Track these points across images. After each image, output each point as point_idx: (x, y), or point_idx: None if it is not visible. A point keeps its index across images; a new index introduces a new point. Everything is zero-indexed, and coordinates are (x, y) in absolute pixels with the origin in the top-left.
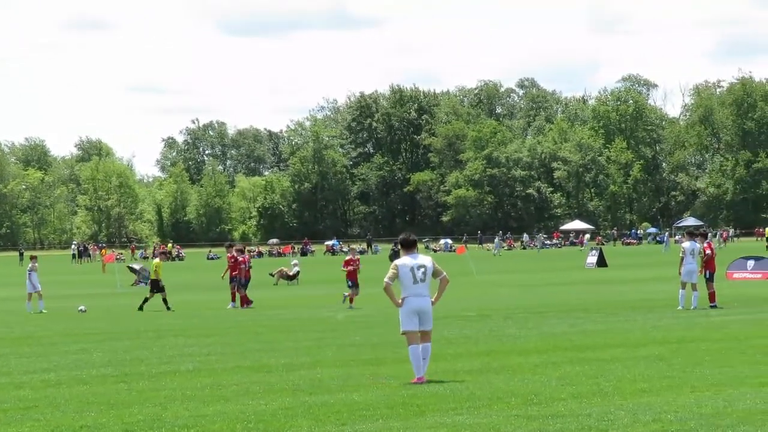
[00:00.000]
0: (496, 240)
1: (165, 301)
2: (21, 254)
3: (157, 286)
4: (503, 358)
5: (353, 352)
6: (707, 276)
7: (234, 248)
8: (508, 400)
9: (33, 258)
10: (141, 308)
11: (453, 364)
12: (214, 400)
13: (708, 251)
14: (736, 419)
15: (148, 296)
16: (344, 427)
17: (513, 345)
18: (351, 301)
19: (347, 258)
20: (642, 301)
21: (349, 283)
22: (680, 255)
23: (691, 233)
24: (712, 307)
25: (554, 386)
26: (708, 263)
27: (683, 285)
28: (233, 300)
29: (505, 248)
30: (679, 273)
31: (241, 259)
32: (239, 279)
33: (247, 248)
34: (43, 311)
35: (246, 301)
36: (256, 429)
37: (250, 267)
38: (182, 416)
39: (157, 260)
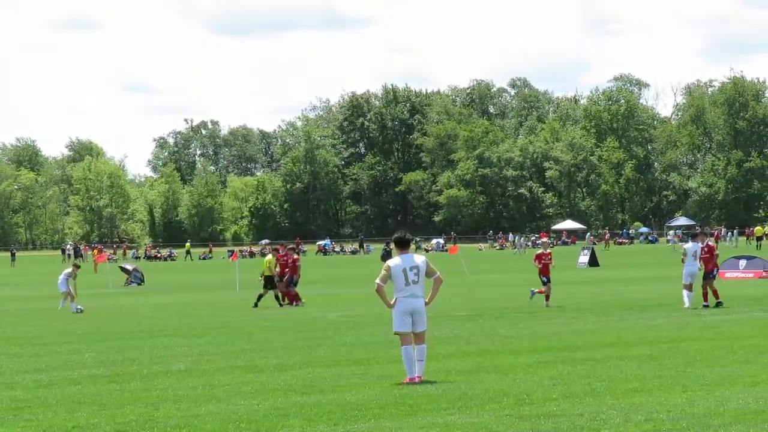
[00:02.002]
0: (516, 238)
1: (277, 297)
2: (13, 254)
3: (271, 283)
4: (495, 357)
5: (345, 352)
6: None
7: (287, 247)
8: (500, 400)
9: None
10: (256, 305)
11: (445, 363)
12: (206, 401)
13: (706, 250)
14: (728, 419)
15: (262, 293)
16: (336, 427)
17: (505, 345)
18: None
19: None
20: (634, 301)
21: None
22: (681, 256)
23: (694, 234)
24: (704, 306)
25: (546, 386)
26: (705, 262)
27: (687, 287)
28: (256, 304)
29: (497, 248)
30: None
31: (295, 257)
32: (291, 277)
33: (239, 248)
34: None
35: (296, 299)
36: (248, 429)
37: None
38: (174, 416)
39: (269, 257)
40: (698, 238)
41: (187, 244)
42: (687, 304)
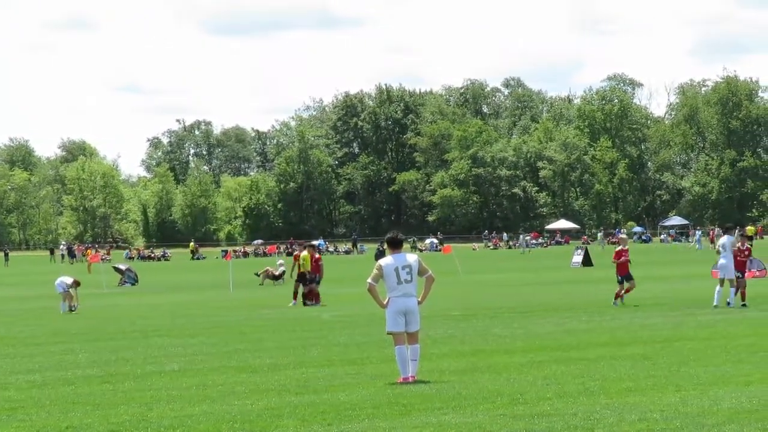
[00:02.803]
0: (522, 237)
1: (304, 296)
2: (6, 255)
3: (304, 279)
4: (489, 357)
5: (339, 352)
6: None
7: (307, 246)
8: (494, 400)
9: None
10: (305, 304)
11: (439, 363)
12: (199, 401)
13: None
14: (721, 418)
15: (297, 289)
16: (330, 427)
17: (499, 344)
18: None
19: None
20: (628, 300)
21: None
22: (717, 249)
23: (728, 228)
24: (742, 305)
25: (540, 385)
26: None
27: (720, 282)
28: (294, 298)
29: (491, 247)
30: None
31: (317, 256)
32: (314, 276)
33: (233, 249)
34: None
35: (317, 298)
36: (241, 429)
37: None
38: (168, 416)
39: (305, 253)
40: (731, 231)
41: (192, 243)
42: (715, 302)
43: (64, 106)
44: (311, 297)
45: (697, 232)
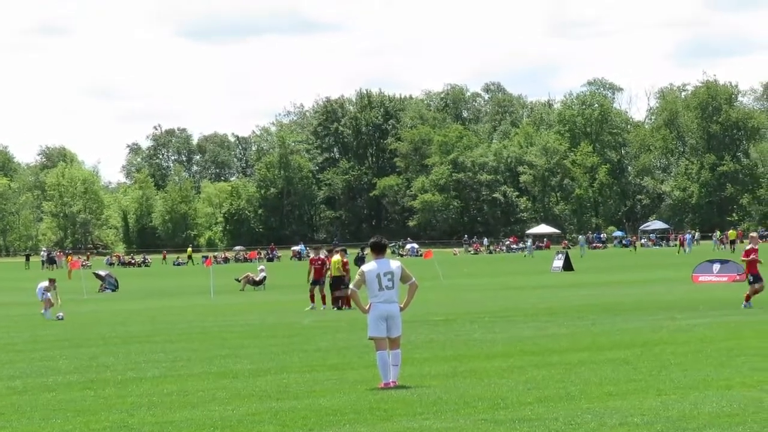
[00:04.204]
0: (523, 240)
1: (338, 300)
2: None
3: (337, 283)
4: (470, 362)
5: (320, 357)
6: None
7: (321, 250)
8: (475, 405)
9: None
10: (339, 308)
11: (420, 368)
12: (180, 407)
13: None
14: (702, 422)
15: (315, 293)
16: None
17: (480, 349)
18: None
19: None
20: (608, 305)
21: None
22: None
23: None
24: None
25: (521, 390)
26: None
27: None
28: (312, 302)
29: (472, 252)
30: (745, 273)
31: (346, 260)
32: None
33: (213, 254)
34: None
35: (347, 302)
36: None
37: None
38: (149, 423)
39: (336, 257)
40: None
41: (189, 249)
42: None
43: (43, 112)
44: (344, 301)
45: (687, 235)
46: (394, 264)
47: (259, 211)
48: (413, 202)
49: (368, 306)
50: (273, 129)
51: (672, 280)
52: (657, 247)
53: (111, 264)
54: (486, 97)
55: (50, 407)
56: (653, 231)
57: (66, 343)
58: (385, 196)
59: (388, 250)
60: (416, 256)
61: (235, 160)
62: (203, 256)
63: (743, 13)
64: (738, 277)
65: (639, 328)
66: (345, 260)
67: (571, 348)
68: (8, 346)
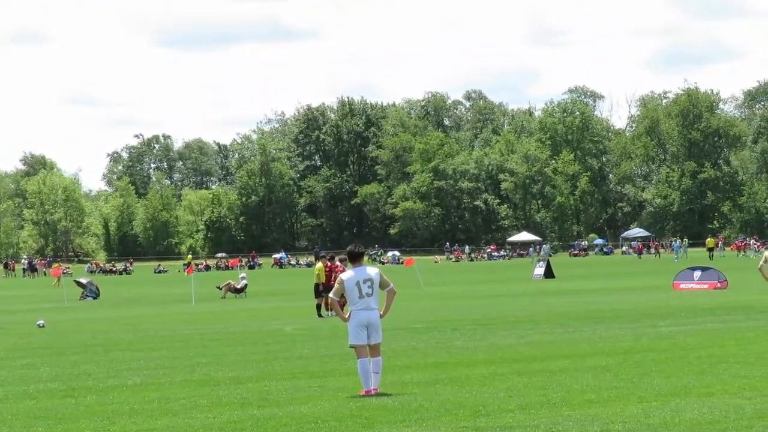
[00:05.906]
0: (536, 247)
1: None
2: None
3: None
4: (451, 369)
5: (301, 365)
6: None
7: (329, 257)
8: (457, 412)
9: None
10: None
11: (401, 376)
12: (161, 414)
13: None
14: (683, 429)
15: (319, 302)
16: None
17: (461, 357)
18: None
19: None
20: (589, 312)
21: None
22: (760, 263)
23: None
24: None
25: (502, 398)
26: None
27: None
28: (327, 308)
29: (453, 260)
30: (766, 278)
31: (342, 268)
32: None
33: (194, 261)
34: None
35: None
36: None
37: None
38: (130, 430)
39: (319, 264)
40: None
41: (189, 256)
42: None
43: (24, 119)
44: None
45: (674, 243)
46: (373, 271)
47: (241, 219)
48: (394, 209)
49: (348, 314)
50: (254, 137)
51: (653, 288)
52: (638, 255)
53: (92, 272)
54: (467, 104)
55: (31, 415)
56: (634, 238)
57: (47, 351)
58: (367, 203)
59: (369, 258)
60: (398, 263)
61: (217, 167)
62: (184, 264)
63: (721, 21)
64: (719, 285)
65: (620, 336)
66: (330, 265)
67: (553, 355)
68: None
